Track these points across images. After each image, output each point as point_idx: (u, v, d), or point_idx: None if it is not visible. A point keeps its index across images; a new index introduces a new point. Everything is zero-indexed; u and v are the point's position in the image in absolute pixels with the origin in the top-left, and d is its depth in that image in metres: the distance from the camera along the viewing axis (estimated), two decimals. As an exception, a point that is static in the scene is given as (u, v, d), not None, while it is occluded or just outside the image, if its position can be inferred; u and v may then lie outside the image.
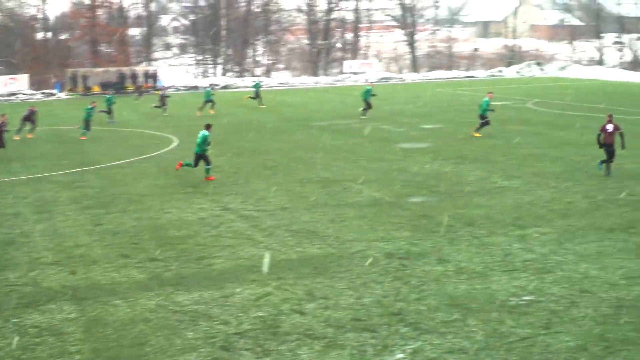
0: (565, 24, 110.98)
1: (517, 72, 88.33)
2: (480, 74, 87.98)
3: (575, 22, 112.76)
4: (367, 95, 47.10)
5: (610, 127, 27.18)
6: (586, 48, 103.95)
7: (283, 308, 14.54)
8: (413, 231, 19.84)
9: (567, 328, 13.25)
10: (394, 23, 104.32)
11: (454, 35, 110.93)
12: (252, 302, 14.87)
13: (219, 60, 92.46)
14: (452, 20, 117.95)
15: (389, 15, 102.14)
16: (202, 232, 20.23)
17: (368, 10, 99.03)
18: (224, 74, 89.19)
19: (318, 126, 43.22)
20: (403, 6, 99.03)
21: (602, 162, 27.29)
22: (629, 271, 16.20)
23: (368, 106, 47.05)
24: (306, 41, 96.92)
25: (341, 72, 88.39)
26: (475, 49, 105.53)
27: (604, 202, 22.76)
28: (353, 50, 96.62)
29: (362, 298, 14.98)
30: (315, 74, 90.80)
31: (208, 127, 28.10)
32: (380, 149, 34.00)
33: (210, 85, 59.65)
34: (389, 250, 18.12)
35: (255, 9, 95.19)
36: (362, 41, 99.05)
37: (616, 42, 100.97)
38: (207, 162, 27.64)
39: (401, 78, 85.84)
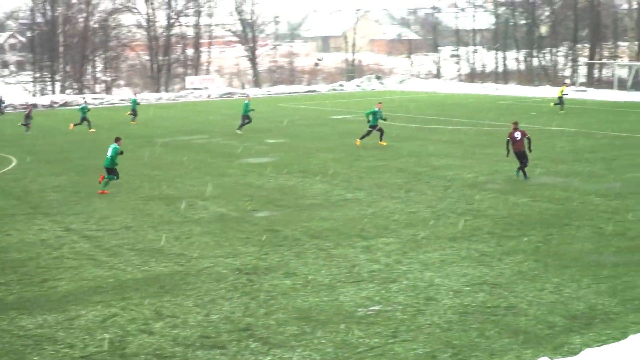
0: (403, 38, 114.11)
1: (358, 85, 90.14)
2: (322, 88, 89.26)
3: (413, 36, 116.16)
4: (246, 109, 46.99)
5: (518, 135, 28.75)
6: (424, 61, 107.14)
7: (130, 329, 14.24)
8: (260, 246, 19.86)
9: (415, 336, 13.56)
10: (235, 38, 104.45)
11: (294, 50, 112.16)
12: (97, 324, 14.49)
13: (57, 77, 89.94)
14: (292, 35, 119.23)
15: (229, 30, 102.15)
16: (44, 254, 19.59)
17: (209, 25, 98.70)
18: (62, 91, 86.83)
19: (161, 142, 42.71)
20: (243, 22, 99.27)
21: (519, 169, 28.90)
22: (472, 278, 16.75)
23: (248, 120, 46.89)
24: (147, 57, 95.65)
25: (183, 88, 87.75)
26: (317, 63, 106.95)
27: (445, 211, 23.48)
28: (194, 65, 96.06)
29: (211, 315, 14.86)
30: (157, 90, 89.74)
31: (117, 140, 28.52)
32: (225, 164, 33.92)
33: (85, 102, 58.36)
34: (236, 266, 18.07)
35: (94, 24, 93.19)
36: (204, 57, 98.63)
37: (453, 55, 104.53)
38: (116, 175, 28.12)
39: (244, 93, 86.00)
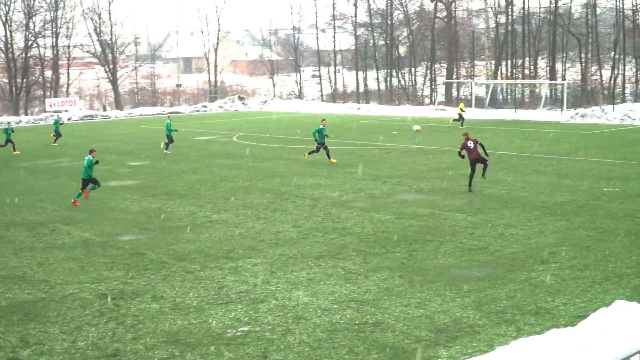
0: (264, 58, 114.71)
1: (221, 107, 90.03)
2: (185, 109, 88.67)
3: (275, 57, 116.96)
4: (169, 129, 47.14)
5: (471, 144, 30.26)
6: (287, 82, 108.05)
7: (-9, 360, 13.80)
8: (126, 270, 19.56)
9: (285, 355, 13.63)
10: (94, 60, 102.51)
11: (156, 72, 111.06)
12: (-45, 357, 13.96)
13: None
14: (153, 56, 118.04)
15: (88, 51, 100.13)
16: None
17: (67, 47, 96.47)
18: None
19: (21, 167, 41.47)
20: (102, 42, 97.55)
21: (470, 185, 30.25)
22: (339, 296, 16.98)
23: (170, 140, 46.90)
24: (5, 80, 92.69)
25: (43, 111, 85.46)
26: (179, 85, 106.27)
27: (311, 230, 23.73)
28: (54, 87, 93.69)
29: (77, 342, 14.53)
30: (16, 113, 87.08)
31: (92, 152, 30.14)
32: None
33: (58, 115, 56.45)
34: (102, 291, 17.74)
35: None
36: (63, 78, 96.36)
37: (315, 76, 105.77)
38: (96, 183, 30.06)
39: (106, 115, 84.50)
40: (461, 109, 61.45)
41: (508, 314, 15.48)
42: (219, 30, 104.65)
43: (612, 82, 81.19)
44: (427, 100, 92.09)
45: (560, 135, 52.25)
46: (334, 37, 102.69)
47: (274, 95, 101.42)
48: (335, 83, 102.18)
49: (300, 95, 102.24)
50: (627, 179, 32.40)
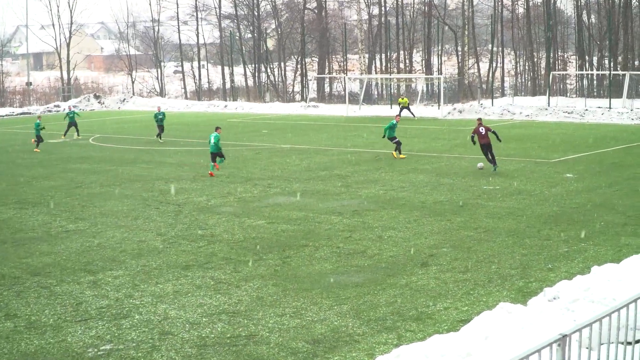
0: (122, 53, 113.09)
1: (75, 106, 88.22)
2: (36, 109, 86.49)
3: (133, 51, 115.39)
4: (37, 129, 48.95)
5: (483, 130, 34.70)
6: (146, 78, 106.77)
7: None
8: (-29, 288, 18.91)
9: (151, 374, 13.44)
10: None
11: (4, 69, 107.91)
12: None
13: None
14: (0, 52, 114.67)
15: None
16: None
17: None
18: None
19: None
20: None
21: (492, 162, 34.87)
22: (209, 308, 16.86)
23: (40, 139, 48.66)
24: None
25: None
26: (29, 83, 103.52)
27: (177, 238, 23.51)
28: None
29: None
30: None
31: (218, 129, 36.98)
32: None
33: (73, 107, 54.39)
34: (-55, 313, 17.09)
35: None
36: None
37: (177, 72, 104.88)
38: (222, 156, 36.32)
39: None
40: (406, 103, 64.09)
41: (388, 320, 15.70)
42: (71, 23, 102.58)
43: (490, 75, 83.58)
44: (298, 97, 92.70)
45: (438, 132, 53.48)
46: (197, 29, 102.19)
47: (133, 93, 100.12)
48: (200, 79, 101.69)
49: (161, 93, 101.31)
50: (507, 176, 33.39)
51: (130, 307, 17.11)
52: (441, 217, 25.35)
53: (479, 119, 36.04)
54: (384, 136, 41.23)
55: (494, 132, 35.17)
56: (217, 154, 36.14)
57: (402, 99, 67.31)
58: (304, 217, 26.00)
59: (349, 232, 23.67)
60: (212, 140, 35.94)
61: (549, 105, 65.43)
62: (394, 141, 40.50)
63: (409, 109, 65.07)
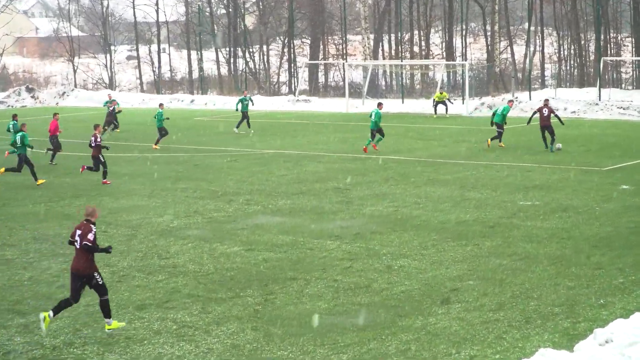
0: (62, 35, 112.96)
1: (2, 102, 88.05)
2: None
3: (76, 32, 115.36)
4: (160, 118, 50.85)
5: (546, 111, 42.82)
6: (93, 66, 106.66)
7: None
8: None
9: None
10: None
11: None
12: None
13: None
14: None
15: None
16: None
17: None
18: None
19: None
20: None
21: (551, 143, 42.94)
22: (170, 359, 16.77)
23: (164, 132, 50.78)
24: None
25: None
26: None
27: (130, 269, 23.48)
28: None
29: None
30: None
31: (380, 105, 46.08)
32: None
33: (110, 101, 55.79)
34: None
35: None
36: None
37: (131, 57, 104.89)
38: (382, 134, 44.66)
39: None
40: (442, 97, 64.87)
41: (400, 374, 15.63)
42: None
43: (527, 62, 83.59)
44: (284, 89, 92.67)
45: (463, 133, 53.43)
46: (157, 4, 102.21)
47: (76, 85, 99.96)
48: (160, 67, 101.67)
49: (111, 84, 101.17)
50: (549, 188, 33.35)
51: (70, 357, 17.00)
52: (466, 242, 25.26)
53: (546, 100, 45.16)
54: (492, 122, 46.55)
55: (557, 116, 43.40)
56: (377, 130, 44.42)
57: (441, 92, 67.47)
58: (292, 243, 25.90)
59: (350, 261, 23.57)
60: (373, 118, 44.53)
61: (600, 100, 65.57)
62: (500, 129, 45.71)
63: (446, 105, 65.15)
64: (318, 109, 73.45)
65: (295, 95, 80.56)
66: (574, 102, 64.23)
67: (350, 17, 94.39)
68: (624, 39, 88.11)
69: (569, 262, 22.76)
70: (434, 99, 66.10)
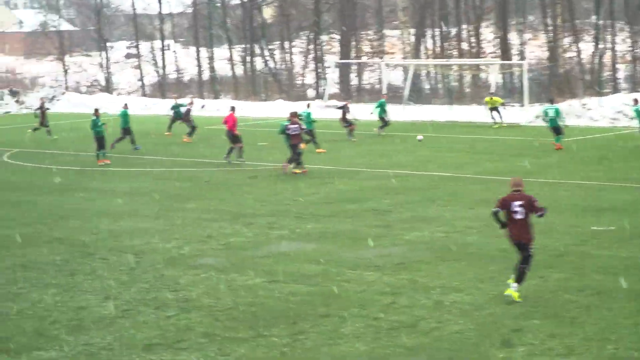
0: (51, 29, 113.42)
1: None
2: None
3: (67, 26, 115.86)
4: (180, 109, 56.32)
5: None
6: (86, 66, 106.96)
7: None
8: None
9: None
10: None
11: None
12: None
13: None
14: None
15: None
16: None
17: None
18: None
19: None
20: None
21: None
22: (183, 408, 16.80)
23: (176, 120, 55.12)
24: None
25: None
26: None
27: (134, 304, 23.46)
28: None
29: None
30: None
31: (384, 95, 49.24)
32: None
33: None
34: None
35: None
36: None
37: (131, 55, 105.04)
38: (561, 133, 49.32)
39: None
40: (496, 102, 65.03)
41: None
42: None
43: (596, 61, 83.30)
44: (311, 92, 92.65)
45: (521, 146, 53.31)
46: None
47: (67, 88, 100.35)
48: (164, 67, 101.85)
49: (107, 87, 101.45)
50: (625, 210, 33.20)
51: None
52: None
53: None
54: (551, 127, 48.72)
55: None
56: (556, 128, 48.53)
57: (492, 97, 67.21)
58: (324, 273, 25.88)
59: (392, 295, 23.53)
60: (551, 114, 49.81)
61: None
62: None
63: (499, 112, 65.08)
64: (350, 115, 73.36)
65: (323, 100, 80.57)
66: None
67: (387, 9, 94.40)
68: None
69: (651, 298, 22.69)
70: (487, 106, 65.93)
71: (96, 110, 52.24)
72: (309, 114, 52.51)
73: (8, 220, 34.81)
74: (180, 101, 67.15)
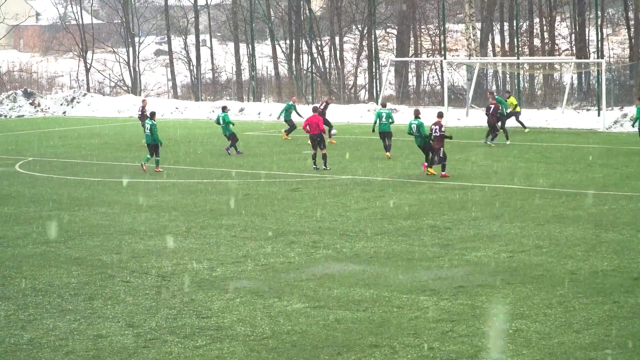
0: (70, 23, 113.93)
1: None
2: None
3: (88, 19, 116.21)
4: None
5: None
6: (111, 64, 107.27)
7: None
8: None
9: None
10: None
11: None
12: None
13: None
14: None
15: None
16: None
17: None
18: None
19: None
20: None
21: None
22: None
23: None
24: None
25: None
26: None
27: (160, 332, 23.57)
28: None
29: None
30: None
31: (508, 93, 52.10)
32: None
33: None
34: None
35: None
36: None
37: (161, 52, 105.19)
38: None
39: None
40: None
41: None
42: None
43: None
44: (363, 95, 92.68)
45: (598, 154, 53.17)
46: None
47: (88, 89, 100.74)
48: (198, 65, 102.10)
49: (134, 88, 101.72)
50: None
51: None
52: (604, 298, 25.15)
53: None
54: None
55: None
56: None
57: (509, 96, 66.67)
58: (374, 299, 25.94)
59: (450, 322, 23.56)
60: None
61: None
62: None
63: (517, 118, 64.66)
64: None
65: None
66: None
67: (450, 1, 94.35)
68: None
69: None
70: (510, 108, 64.79)
71: (224, 107, 55.19)
72: (388, 113, 54.73)
73: (20, 238, 34.99)
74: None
